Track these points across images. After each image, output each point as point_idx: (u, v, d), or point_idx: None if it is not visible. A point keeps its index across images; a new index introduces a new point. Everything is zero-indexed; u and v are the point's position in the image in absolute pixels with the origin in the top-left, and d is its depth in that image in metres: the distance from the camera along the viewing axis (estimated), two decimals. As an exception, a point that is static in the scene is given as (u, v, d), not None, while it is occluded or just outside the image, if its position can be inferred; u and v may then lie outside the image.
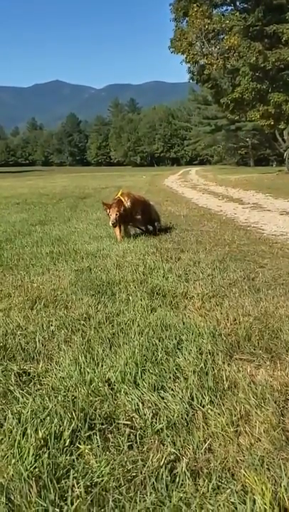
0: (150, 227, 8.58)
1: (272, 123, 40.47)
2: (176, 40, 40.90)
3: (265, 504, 1.88)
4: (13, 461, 2.16)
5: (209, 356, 3.17)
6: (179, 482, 2.02)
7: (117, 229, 7.81)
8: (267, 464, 2.11)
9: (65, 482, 2.03)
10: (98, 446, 2.27)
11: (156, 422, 2.45)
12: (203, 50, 39.90)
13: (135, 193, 8.86)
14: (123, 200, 7.75)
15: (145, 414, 2.51)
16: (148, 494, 1.95)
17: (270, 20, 36.79)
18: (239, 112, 46.58)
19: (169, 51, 41.67)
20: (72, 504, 1.91)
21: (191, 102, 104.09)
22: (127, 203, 7.75)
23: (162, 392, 2.74)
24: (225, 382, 2.84)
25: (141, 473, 2.08)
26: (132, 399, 2.66)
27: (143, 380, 2.88)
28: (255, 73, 38.06)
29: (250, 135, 76.53)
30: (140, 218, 8.22)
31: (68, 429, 2.36)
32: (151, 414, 2.52)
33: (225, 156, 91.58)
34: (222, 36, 39.81)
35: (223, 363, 3.09)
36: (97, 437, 2.32)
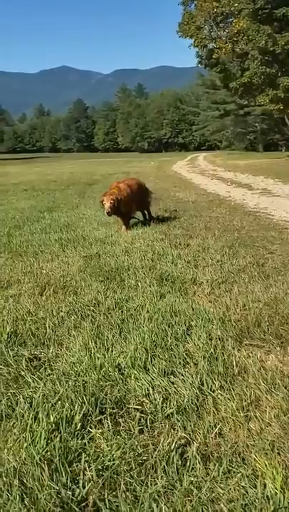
0: (145, 212, 8.53)
1: (281, 107, 39.96)
2: (184, 24, 40.46)
3: (276, 488, 1.89)
4: (26, 444, 2.18)
5: (219, 342, 3.18)
6: (189, 466, 2.04)
7: (120, 220, 7.74)
8: (277, 449, 2.12)
9: (77, 465, 2.05)
10: (109, 430, 2.29)
11: (166, 407, 2.47)
12: (212, 33, 39.48)
13: (133, 179, 8.71)
14: (119, 188, 7.54)
15: (155, 399, 2.53)
16: (159, 478, 1.96)
17: (280, 3, 36.16)
18: (248, 96, 46.11)
19: (177, 35, 41.24)
20: (84, 487, 1.93)
21: (199, 86, 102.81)
22: (125, 191, 7.57)
23: (172, 377, 2.76)
24: (235, 367, 2.85)
25: (152, 457, 2.09)
26: (142, 384, 2.68)
27: (153, 365, 2.89)
28: (264, 57, 37.52)
29: (259, 120, 75.71)
30: (137, 204, 8.09)
31: (79, 413, 2.38)
32: (161, 399, 2.53)
33: (233, 142, 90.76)
34: (231, 19, 39.32)
35: (233, 348, 3.10)
36: (108, 421, 2.34)
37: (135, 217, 8.17)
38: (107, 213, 7.28)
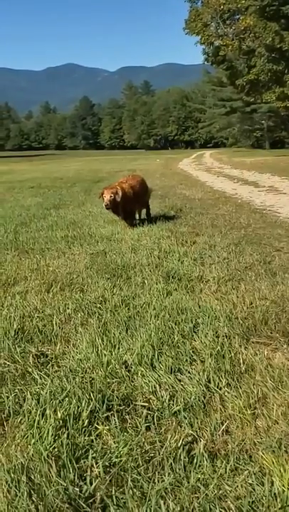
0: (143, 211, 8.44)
1: (288, 105, 39.83)
2: (191, 21, 40.36)
3: (284, 486, 1.89)
4: (33, 441, 2.19)
5: (226, 339, 3.18)
6: (196, 463, 2.04)
7: (122, 220, 7.67)
8: (285, 446, 2.12)
9: (84, 462, 2.06)
10: (116, 427, 2.29)
11: (173, 404, 2.47)
12: (219, 30, 39.38)
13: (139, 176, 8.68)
14: (123, 189, 7.37)
15: (162, 396, 2.53)
16: (166, 475, 1.97)
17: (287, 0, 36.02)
18: (255, 93, 45.97)
19: (184, 32, 41.15)
20: (91, 484, 1.94)
21: (205, 83, 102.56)
22: (128, 189, 7.48)
23: (179, 374, 2.76)
24: (242, 365, 2.84)
25: (159, 454, 2.10)
26: (149, 381, 2.68)
27: (160, 362, 2.89)
28: (271, 54, 37.39)
29: (265, 117, 75.41)
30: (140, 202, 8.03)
31: (86, 410, 2.39)
32: (168, 396, 2.53)
33: (240, 139, 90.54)
34: (238, 16, 39.21)
35: (240, 346, 3.09)
36: (115, 418, 2.35)
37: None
38: (106, 206, 7.12)
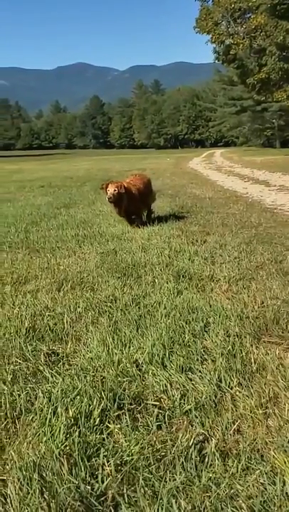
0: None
1: (299, 104, 39.60)
2: (202, 20, 40.19)
3: (295, 485, 1.88)
4: (45, 438, 2.20)
5: (237, 339, 3.17)
6: (208, 462, 2.03)
7: (127, 221, 7.61)
8: (296, 446, 2.11)
9: (96, 460, 2.07)
10: (127, 425, 2.30)
11: (184, 403, 2.46)
12: (229, 29, 39.20)
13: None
14: (129, 189, 7.35)
15: (173, 395, 2.53)
16: (177, 474, 1.97)
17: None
18: (265, 92, 45.68)
19: (194, 31, 41.00)
20: (102, 482, 1.94)
21: (216, 82, 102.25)
22: (133, 188, 7.44)
23: (190, 373, 2.76)
24: (253, 364, 2.83)
25: (170, 453, 2.10)
26: (160, 380, 2.68)
27: (171, 361, 2.89)
28: (282, 53, 37.16)
29: (276, 116, 75.07)
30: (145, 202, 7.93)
31: (98, 408, 2.39)
32: (179, 395, 2.53)
33: (250, 138, 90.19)
34: (248, 15, 39.00)
35: (251, 345, 3.08)
36: (126, 417, 2.35)
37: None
38: (109, 199, 7.09)
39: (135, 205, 7.49)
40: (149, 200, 8.10)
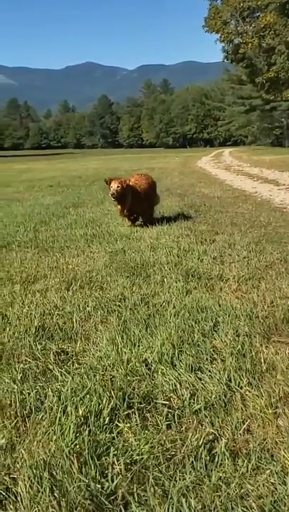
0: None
1: (308, 102, 39.45)
2: (211, 19, 40.17)
3: (306, 486, 1.87)
4: (55, 437, 2.21)
5: (246, 338, 3.16)
6: (218, 462, 2.03)
7: (127, 219, 7.58)
8: (307, 446, 2.10)
9: (106, 459, 2.07)
10: (137, 424, 2.30)
11: (194, 403, 2.46)
12: (238, 28, 39.14)
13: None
14: (133, 188, 7.32)
15: (183, 395, 2.53)
16: (187, 473, 1.96)
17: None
18: (274, 91, 45.59)
19: (203, 30, 40.97)
20: (112, 481, 1.94)
21: (224, 81, 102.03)
22: (138, 187, 7.37)
23: (199, 373, 2.75)
24: (263, 364, 2.82)
25: (180, 452, 2.09)
26: (169, 379, 2.68)
27: (180, 360, 2.89)
28: (291, 51, 37.08)
29: (285, 115, 74.89)
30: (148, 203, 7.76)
31: (107, 407, 2.40)
32: (188, 394, 2.53)
33: (259, 137, 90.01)
34: (257, 14, 38.94)
35: (261, 345, 3.07)
36: (136, 416, 2.35)
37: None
38: (112, 195, 7.06)
39: (139, 203, 7.42)
40: (153, 200, 7.97)
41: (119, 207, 7.40)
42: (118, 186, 7.02)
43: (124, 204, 7.28)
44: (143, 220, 7.63)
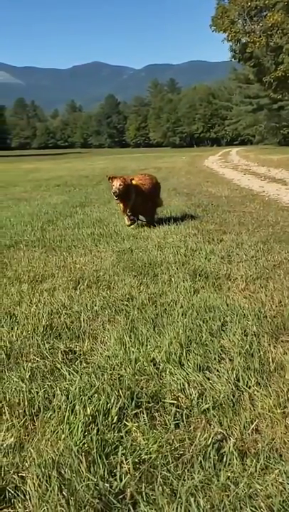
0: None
1: (316, 101, 39.30)
2: (218, 18, 40.09)
3: (315, 486, 1.86)
4: (63, 436, 2.21)
5: (254, 338, 3.15)
6: (226, 461, 2.03)
7: (126, 218, 7.40)
8: (316, 446, 2.09)
9: (114, 458, 2.07)
10: (145, 424, 2.30)
11: (202, 402, 2.46)
12: (246, 27, 39.05)
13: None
14: (137, 183, 7.23)
15: (191, 394, 2.52)
16: (196, 472, 1.96)
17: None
18: (282, 90, 45.41)
19: (210, 30, 40.88)
20: (121, 480, 1.94)
21: (232, 81, 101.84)
22: (141, 186, 7.25)
23: (208, 372, 2.75)
24: (271, 364, 2.81)
25: (188, 451, 2.09)
26: (177, 379, 2.68)
27: (188, 360, 2.88)
28: (299, 50, 36.94)
29: (292, 114, 74.57)
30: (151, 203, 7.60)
31: (116, 406, 2.40)
32: (197, 394, 2.53)
33: (267, 136, 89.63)
34: (265, 13, 38.81)
35: (269, 344, 3.06)
36: (144, 415, 2.35)
37: (140, 220, 7.71)
38: (114, 193, 6.94)
39: (142, 203, 7.29)
40: (156, 201, 7.81)
41: (121, 205, 7.32)
42: (120, 184, 6.91)
43: (127, 203, 7.18)
44: (146, 220, 7.60)
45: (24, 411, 2.45)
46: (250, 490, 1.87)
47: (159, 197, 8.00)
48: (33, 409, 2.47)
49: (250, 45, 39.46)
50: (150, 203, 7.55)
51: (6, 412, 2.44)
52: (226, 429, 2.24)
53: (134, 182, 7.21)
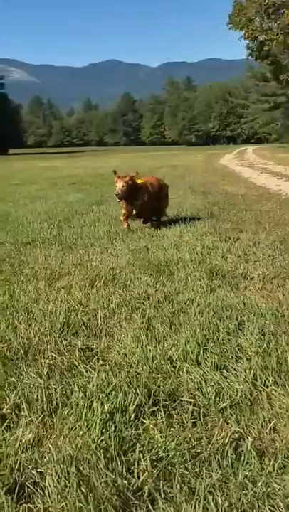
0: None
1: None
2: (235, 16, 39.88)
3: None
4: (81, 433, 2.23)
5: (272, 337, 3.14)
6: (244, 460, 2.03)
7: (124, 222, 7.18)
8: None
9: (132, 455, 2.08)
10: (162, 421, 2.30)
11: (219, 401, 2.46)
12: (263, 25, 38.78)
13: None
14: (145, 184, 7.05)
15: (208, 393, 2.52)
16: (214, 471, 1.96)
17: None
18: (299, 88, 45.02)
19: (227, 27, 40.67)
20: (138, 477, 1.95)
21: (248, 79, 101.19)
22: (149, 188, 7.09)
23: (225, 371, 2.74)
24: (289, 363, 2.80)
25: (206, 450, 2.09)
26: (194, 377, 2.68)
27: (205, 359, 2.88)
28: (316, 48, 36.60)
29: (309, 112, 74.02)
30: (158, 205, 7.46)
31: (133, 404, 2.41)
32: (214, 392, 2.52)
33: (283, 134, 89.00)
34: (282, 11, 38.46)
35: (287, 344, 3.05)
36: (161, 413, 2.36)
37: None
38: (116, 194, 6.71)
39: (150, 203, 7.11)
40: (162, 203, 7.64)
41: (123, 206, 7.07)
42: (123, 186, 6.67)
43: (131, 203, 6.95)
44: (156, 220, 7.58)
45: (42, 407, 2.47)
46: (268, 489, 1.87)
47: (167, 198, 7.88)
48: (51, 405, 2.49)
49: (268, 43, 39.18)
50: (157, 204, 7.44)
51: (25, 408, 2.46)
52: (243, 428, 2.24)
53: (139, 181, 7.02)
